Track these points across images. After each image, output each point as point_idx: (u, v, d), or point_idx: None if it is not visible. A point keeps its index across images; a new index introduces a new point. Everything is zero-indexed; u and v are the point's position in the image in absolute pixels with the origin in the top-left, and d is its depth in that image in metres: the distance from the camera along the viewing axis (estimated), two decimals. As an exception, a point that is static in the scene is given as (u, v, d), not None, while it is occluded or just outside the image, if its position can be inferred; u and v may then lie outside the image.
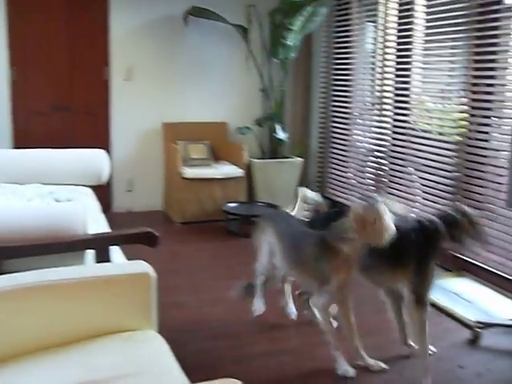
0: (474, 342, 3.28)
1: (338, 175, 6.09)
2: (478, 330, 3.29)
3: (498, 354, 3.20)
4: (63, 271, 2.06)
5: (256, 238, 3.30)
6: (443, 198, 4.55)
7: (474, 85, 4.30)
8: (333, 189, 6.17)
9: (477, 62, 4.25)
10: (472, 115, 4.33)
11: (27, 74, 5.62)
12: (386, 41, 5.36)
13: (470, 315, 3.51)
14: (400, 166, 5.07)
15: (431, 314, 3.60)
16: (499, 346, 3.27)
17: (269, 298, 3.43)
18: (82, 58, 5.77)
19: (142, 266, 2.09)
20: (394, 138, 5.17)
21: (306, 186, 3.77)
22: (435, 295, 3.81)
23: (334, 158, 6.17)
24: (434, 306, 3.70)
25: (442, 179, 4.56)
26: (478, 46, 4.22)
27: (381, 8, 5.38)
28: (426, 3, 4.79)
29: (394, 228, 2.62)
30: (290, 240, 3.05)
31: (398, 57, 5.16)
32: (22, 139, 5.58)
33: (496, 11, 4.03)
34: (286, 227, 3.15)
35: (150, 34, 5.92)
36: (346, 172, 5.97)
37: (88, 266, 2.44)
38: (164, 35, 5.95)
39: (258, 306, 3.39)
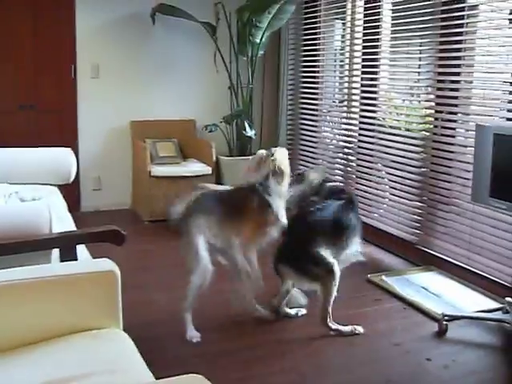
0: (440, 334, 3.32)
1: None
2: (445, 322, 3.33)
3: (464, 345, 3.25)
4: (28, 270, 2.04)
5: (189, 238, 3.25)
6: (411, 194, 4.60)
7: (440, 81, 4.35)
8: (302, 185, 6.18)
9: (442, 59, 4.30)
10: (438, 111, 4.38)
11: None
12: (353, 38, 5.40)
13: (437, 308, 3.56)
14: (368, 162, 5.11)
15: (399, 307, 3.67)
16: (465, 338, 3.31)
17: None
18: (47, 56, 5.69)
19: (106, 264, 2.08)
20: (361, 135, 5.20)
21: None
22: (403, 289, 3.87)
23: (302, 154, 6.19)
24: (402, 299, 3.75)
25: (409, 175, 4.61)
26: (443, 43, 4.26)
27: (348, 5, 5.41)
28: (392, 1, 4.82)
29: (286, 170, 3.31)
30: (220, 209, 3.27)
31: (366, 54, 5.19)
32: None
33: (460, 9, 4.08)
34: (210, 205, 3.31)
35: (117, 31, 5.87)
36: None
37: (52, 264, 2.41)
38: (131, 33, 5.91)
39: (194, 333, 3.24)
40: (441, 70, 4.33)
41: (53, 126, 5.77)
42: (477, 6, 4.07)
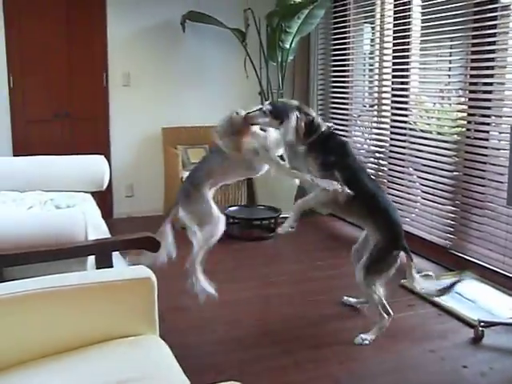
0: (477, 341, 3.27)
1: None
2: (481, 329, 3.29)
3: (501, 352, 3.20)
4: (65, 278, 2.06)
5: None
6: (443, 198, 4.55)
7: (473, 84, 4.30)
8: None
9: (474, 61, 4.25)
10: (471, 114, 4.33)
11: (25, 81, 5.62)
12: (383, 41, 5.37)
13: (473, 314, 3.51)
14: (399, 166, 5.07)
15: (434, 313, 3.63)
16: (502, 344, 3.26)
17: (268, 303, 3.43)
18: (80, 64, 5.78)
19: (142, 271, 2.09)
20: (393, 139, 5.17)
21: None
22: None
23: (333, 159, 6.15)
24: (437, 305, 3.71)
25: (441, 179, 4.57)
26: (475, 44, 4.22)
27: (378, 9, 5.39)
28: (422, 3, 4.79)
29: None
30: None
31: (396, 57, 5.16)
32: (22, 147, 5.58)
33: (493, 10, 4.03)
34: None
35: (148, 39, 5.93)
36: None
37: (89, 272, 2.44)
38: (162, 40, 5.96)
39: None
40: (473, 72, 4.28)
41: (86, 133, 5.85)
42: (509, 6, 4.01)
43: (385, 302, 3.26)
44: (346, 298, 3.77)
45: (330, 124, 3.40)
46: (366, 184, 3.22)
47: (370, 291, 3.23)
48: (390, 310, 3.28)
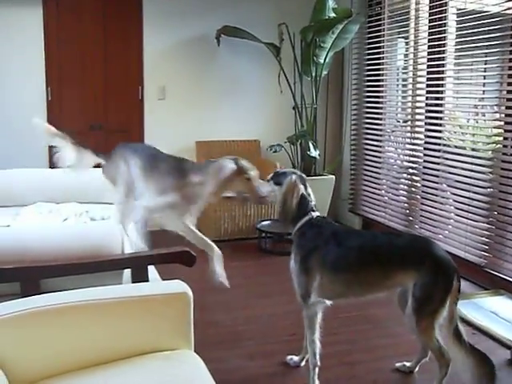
0: (512, 362, 3.22)
1: (370, 192, 6.05)
2: (518, 349, 3.24)
3: (539, 374, 3.14)
4: (101, 291, 2.08)
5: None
6: (478, 215, 4.50)
7: (509, 100, 4.26)
8: (366, 206, 6.13)
9: (511, 76, 4.21)
10: (507, 130, 4.28)
11: (63, 93, 5.73)
12: (417, 56, 5.35)
13: (509, 335, 3.45)
14: (433, 182, 5.03)
15: (467, 332, 3.57)
16: (539, 366, 3.20)
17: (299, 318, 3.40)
18: (116, 77, 5.87)
19: (179, 286, 2.11)
20: (426, 155, 5.13)
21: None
22: (472, 314, 3.76)
23: (366, 174, 6.14)
24: (472, 325, 3.65)
25: (476, 195, 4.51)
26: (512, 60, 4.19)
27: (412, 24, 5.37)
28: (457, 18, 4.77)
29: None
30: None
31: (430, 72, 5.13)
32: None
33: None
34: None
35: (183, 53, 5.99)
36: (379, 189, 5.93)
37: (126, 285, 2.46)
38: (196, 54, 6.02)
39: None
40: (509, 87, 4.24)
41: (120, 146, 5.91)
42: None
43: (444, 347, 2.75)
44: (399, 364, 3.16)
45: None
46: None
47: (427, 338, 2.76)
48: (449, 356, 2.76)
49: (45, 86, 5.64)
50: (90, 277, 2.40)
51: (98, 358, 1.98)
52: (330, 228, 2.92)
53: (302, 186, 2.95)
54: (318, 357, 2.88)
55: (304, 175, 3.06)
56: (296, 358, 3.18)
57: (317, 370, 2.88)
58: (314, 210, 2.96)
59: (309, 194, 2.98)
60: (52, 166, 5.53)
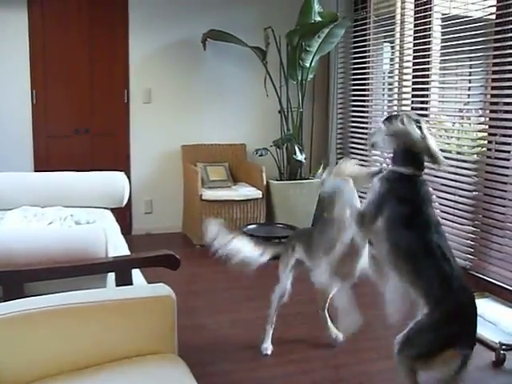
0: (498, 364, 3.23)
1: (356, 196, 6.05)
2: (503, 352, 3.24)
3: (523, 376, 3.15)
4: (84, 294, 2.07)
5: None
6: (463, 218, 4.52)
7: (493, 103, 4.28)
8: (352, 209, 6.12)
9: (495, 80, 4.24)
10: (491, 134, 4.31)
11: (48, 97, 5.69)
12: (402, 61, 5.38)
13: (494, 337, 3.46)
14: (419, 185, 5.03)
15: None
16: (524, 368, 3.22)
17: (284, 322, 3.41)
18: (102, 81, 5.85)
19: (163, 289, 2.10)
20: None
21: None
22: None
23: (352, 178, 6.14)
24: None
25: (461, 199, 4.54)
26: (496, 64, 4.21)
27: (397, 28, 5.40)
28: (442, 23, 4.79)
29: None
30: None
31: (415, 76, 5.16)
32: (43, 162, 5.64)
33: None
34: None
35: (169, 57, 5.99)
36: (365, 193, 5.92)
37: (109, 289, 2.44)
38: (182, 58, 6.02)
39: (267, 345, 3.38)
40: (494, 91, 4.27)
41: (106, 149, 5.90)
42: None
43: None
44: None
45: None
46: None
47: (402, 371, 2.43)
48: None
49: (30, 89, 5.61)
50: (74, 280, 2.38)
51: (81, 361, 1.96)
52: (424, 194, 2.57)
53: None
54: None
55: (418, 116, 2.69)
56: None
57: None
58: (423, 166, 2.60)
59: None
60: (37, 169, 5.52)
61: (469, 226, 4.48)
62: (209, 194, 5.60)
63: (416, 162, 2.58)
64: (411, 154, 2.58)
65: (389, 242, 2.52)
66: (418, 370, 2.37)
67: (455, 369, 2.30)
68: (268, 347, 3.34)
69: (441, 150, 4.76)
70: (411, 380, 2.38)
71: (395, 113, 2.72)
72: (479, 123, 4.50)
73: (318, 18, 5.64)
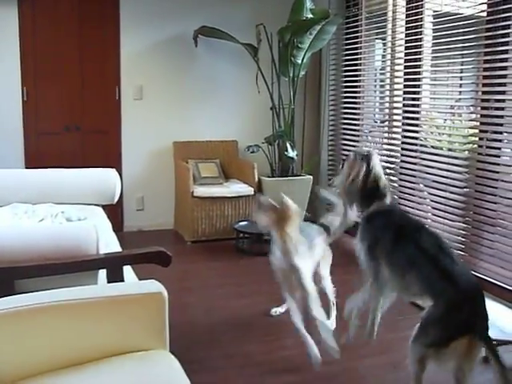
0: (488, 360, 3.24)
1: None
2: (493, 347, 3.25)
3: (513, 371, 3.16)
4: (75, 291, 2.06)
5: None
6: (454, 215, 4.54)
7: (484, 100, 4.30)
8: (343, 206, 6.14)
9: (486, 77, 4.25)
10: (482, 131, 4.32)
11: (38, 94, 5.67)
12: (394, 57, 5.38)
13: (484, 332, 3.48)
14: (410, 182, 5.06)
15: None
16: (514, 363, 3.23)
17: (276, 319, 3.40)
18: (93, 78, 5.83)
19: (154, 286, 2.09)
20: (403, 155, 5.17)
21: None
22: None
23: (344, 175, 6.16)
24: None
25: (452, 195, 4.55)
26: (487, 61, 4.22)
27: (389, 25, 5.41)
28: (433, 20, 4.80)
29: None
30: None
31: (407, 73, 5.16)
32: (34, 159, 5.62)
33: (505, 27, 4.03)
34: None
35: (161, 54, 5.97)
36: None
37: (100, 285, 2.44)
38: (174, 55, 6.01)
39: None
40: (485, 88, 4.28)
41: (97, 146, 5.89)
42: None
43: None
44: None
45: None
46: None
47: (412, 359, 2.51)
48: None
49: (20, 86, 5.58)
50: (65, 277, 2.37)
51: (72, 358, 1.96)
52: (398, 219, 2.78)
53: (365, 166, 2.77)
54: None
55: (375, 154, 2.86)
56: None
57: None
58: (385, 196, 2.80)
59: (379, 176, 2.80)
60: (28, 166, 5.50)
61: (460, 222, 4.50)
62: (200, 191, 5.60)
63: (379, 195, 2.80)
64: (371, 190, 2.80)
65: (388, 267, 2.69)
66: (429, 359, 2.45)
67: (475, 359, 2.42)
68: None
69: (432, 146, 4.83)
70: (417, 369, 2.47)
71: (352, 153, 2.86)
72: (470, 120, 4.52)
73: (310, 15, 5.64)
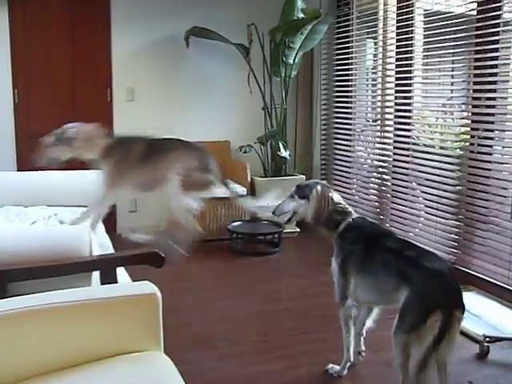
0: (482, 356, 3.26)
1: (341, 191, 6.06)
2: (486, 344, 3.27)
3: (507, 368, 3.18)
4: (69, 293, 2.05)
5: None
6: (447, 212, 4.55)
7: (475, 99, 4.31)
8: (336, 205, 6.15)
9: (477, 76, 4.27)
10: (474, 129, 4.34)
11: (30, 96, 5.65)
12: (386, 57, 5.40)
13: (478, 330, 3.49)
14: (403, 181, 5.07)
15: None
16: (508, 360, 3.25)
17: (270, 319, 3.41)
18: (85, 80, 5.81)
19: (147, 287, 2.09)
20: (396, 154, 5.18)
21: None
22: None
23: (337, 174, 6.18)
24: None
25: (445, 193, 4.57)
26: (477, 60, 4.24)
27: (380, 25, 5.42)
28: (424, 19, 4.82)
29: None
30: None
31: (399, 72, 5.18)
32: (26, 161, 5.58)
33: (495, 25, 4.05)
34: None
35: (152, 55, 5.96)
36: (349, 188, 5.97)
37: (94, 287, 2.44)
38: (165, 55, 6.00)
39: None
40: (476, 87, 4.30)
41: (89, 148, 5.85)
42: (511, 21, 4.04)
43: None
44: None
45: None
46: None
47: (396, 350, 2.56)
48: None
49: (11, 88, 5.56)
50: (59, 279, 2.37)
51: (66, 360, 1.95)
52: (366, 231, 2.92)
53: (331, 193, 2.98)
54: (351, 353, 3.03)
55: (327, 183, 3.10)
56: (337, 367, 3.06)
57: (348, 364, 3.03)
58: (350, 213, 2.98)
59: (338, 200, 3.00)
60: (20, 169, 5.48)
61: (452, 220, 4.51)
62: (193, 192, 5.58)
63: (344, 214, 2.97)
64: (337, 213, 2.97)
65: (361, 275, 2.83)
66: (412, 347, 2.48)
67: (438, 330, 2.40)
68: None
69: (424, 145, 4.85)
70: (402, 359, 2.53)
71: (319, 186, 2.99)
72: (462, 118, 4.54)
73: (301, 15, 5.66)
